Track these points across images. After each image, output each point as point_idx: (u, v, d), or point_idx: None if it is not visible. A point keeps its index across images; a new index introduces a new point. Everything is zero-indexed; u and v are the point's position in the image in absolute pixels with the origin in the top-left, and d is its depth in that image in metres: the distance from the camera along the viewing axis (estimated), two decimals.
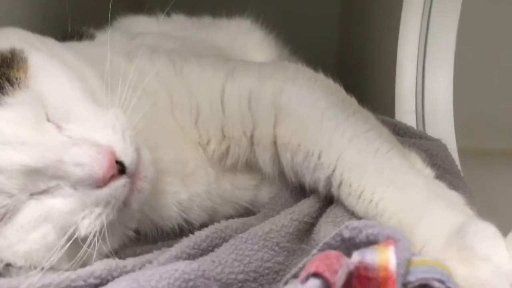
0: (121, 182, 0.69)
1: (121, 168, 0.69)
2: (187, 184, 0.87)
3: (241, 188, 0.96)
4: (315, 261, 0.51)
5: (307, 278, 0.50)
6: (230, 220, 0.83)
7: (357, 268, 0.51)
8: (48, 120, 0.71)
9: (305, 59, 1.13)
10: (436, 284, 0.49)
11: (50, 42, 0.89)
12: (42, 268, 0.68)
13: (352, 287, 0.51)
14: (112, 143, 0.69)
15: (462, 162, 1.13)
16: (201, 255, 0.74)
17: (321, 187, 0.85)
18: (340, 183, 0.81)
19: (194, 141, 0.90)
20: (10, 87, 0.69)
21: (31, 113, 0.69)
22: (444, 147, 1.06)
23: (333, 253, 0.53)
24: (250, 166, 0.94)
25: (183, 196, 0.87)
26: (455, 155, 1.15)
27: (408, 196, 0.74)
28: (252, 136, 0.90)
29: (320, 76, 0.94)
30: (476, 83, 1.81)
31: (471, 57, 1.69)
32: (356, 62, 1.93)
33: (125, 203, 0.72)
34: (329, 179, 0.83)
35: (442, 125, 1.31)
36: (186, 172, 0.88)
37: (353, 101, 0.92)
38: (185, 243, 0.75)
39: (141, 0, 2.22)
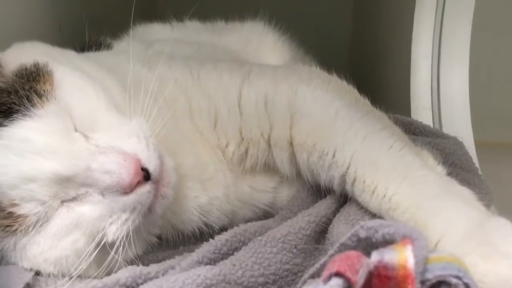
0: (146, 188, 0.72)
1: (146, 175, 0.71)
2: (206, 188, 0.89)
3: (260, 190, 0.97)
4: (336, 261, 0.53)
5: (329, 278, 0.51)
6: (249, 224, 0.84)
7: (376, 267, 0.51)
8: (76, 130, 0.73)
9: (318, 59, 1.13)
10: (453, 280, 0.50)
11: (70, 54, 0.91)
12: (71, 277, 0.71)
13: (372, 286, 0.51)
14: (137, 151, 0.72)
15: (479, 156, 1.12)
16: (222, 259, 0.76)
17: (335, 185, 0.86)
18: (354, 180, 0.82)
19: (213, 144, 0.92)
20: (38, 100, 0.72)
21: (60, 124, 0.72)
22: (460, 145, 1.06)
23: (353, 253, 0.54)
24: (269, 168, 0.95)
25: (203, 200, 0.88)
26: (472, 151, 1.14)
27: (421, 192, 0.75)
28: (269, 138, 0.91)
29: (334, 77, 0.95)
30: (492, 77, 1.79)
31: (486, 51, 1.66)
32: (371, 61, 1.92)
33: (150, 209, 0.74)
34: (343, 177, 0.84)
35: (458, 121, 1.30)
36: (205, 176, 0.89)
37: (366, 101, 0.93)
38: (205, 248, 0.77)
39: (155, 8, 2.25)
